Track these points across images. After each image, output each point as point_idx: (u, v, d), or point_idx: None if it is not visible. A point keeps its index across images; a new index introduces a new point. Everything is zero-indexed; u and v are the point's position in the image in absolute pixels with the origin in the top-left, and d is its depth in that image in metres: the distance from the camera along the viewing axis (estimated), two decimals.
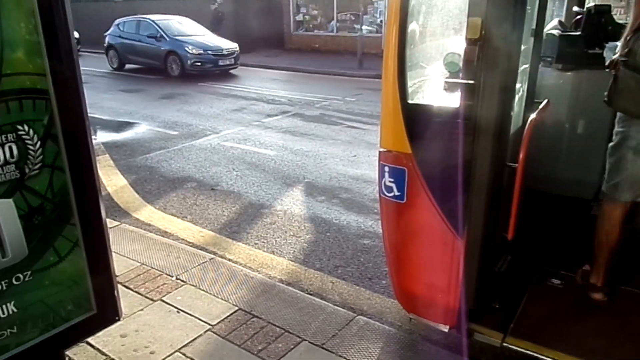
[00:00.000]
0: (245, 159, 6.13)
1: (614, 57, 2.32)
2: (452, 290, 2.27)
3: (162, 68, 13.39)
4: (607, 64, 2.43)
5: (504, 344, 2.27)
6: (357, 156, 6.20)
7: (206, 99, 10.14)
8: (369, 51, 14.24)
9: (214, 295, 2.96)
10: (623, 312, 2.48)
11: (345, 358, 2.42)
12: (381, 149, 2.33)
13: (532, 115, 2.29)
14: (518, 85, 2.63)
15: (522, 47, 2.70)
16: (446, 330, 2.42)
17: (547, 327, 2.36)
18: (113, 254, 2.20)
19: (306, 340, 2.55)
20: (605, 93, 2.37)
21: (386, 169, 2.30)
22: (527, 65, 2.74)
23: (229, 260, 3.56)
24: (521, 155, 2.11)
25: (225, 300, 2.90)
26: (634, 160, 2.30)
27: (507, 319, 2.40)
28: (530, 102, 2.68)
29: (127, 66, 14.68)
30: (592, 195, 3.17)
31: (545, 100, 2.56)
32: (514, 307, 2.50)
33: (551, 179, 3.19)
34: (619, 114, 2.37)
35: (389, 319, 2.89)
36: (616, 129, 2.38)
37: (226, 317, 2.74)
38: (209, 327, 2.66)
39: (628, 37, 2.22)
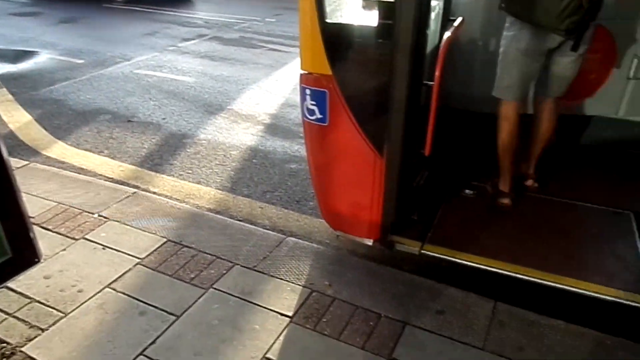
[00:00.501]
0: (162, 87, 5.80)
1: None
2: (374, 206, 2.39)
3: None
4: None
5: (422, 251, 2.46)
6: (280, 80, 6.07)
7: (113, 23, 9.30)
8: None
9: (141, 229, 2.91)
10: (524, 215, 2.74)
11: (276, 277, 2.52)
12: (301, 71, 2.29)
13: (447, 33, 2.33)
14: (434, 3, 2.64)
15: None
16: (370, 244, 2.57)
17: (460, 234, 2.58)
18: (25, 194, 2.06)
19: (238, 264, 2.61)
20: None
21: (307, 91, 2.28)
22: None
23: (154, 193, 3.48)
24: (437, 73, 2.17)
25: (152, 233, 2.87)
26: (523, 61, 2.52)
27: (425, 229, 2.59)
28: (446, 20, 2.72)
29: None
30: None
31: (460, 18, 2.60)
32: (431, 218, 2.69)
33: (467, 96, 3.33)
34: (509, 20, 2.53)
35: (317, 238, 3.01)
36: (506, 33, 2.57)
37: (155, 250, 2.72)
38: (137, 260, 2.64)
39: None
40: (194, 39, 8.15)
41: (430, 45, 2.43)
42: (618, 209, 2.78)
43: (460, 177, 3.07)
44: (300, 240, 2.86)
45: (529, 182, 2.94)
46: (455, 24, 2.50)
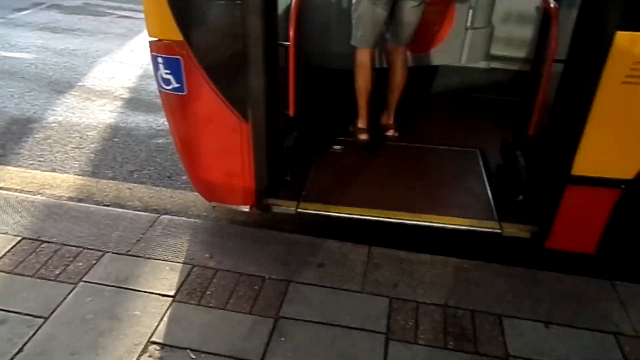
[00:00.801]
0: None
1: None
2: (246, 173, 2.38)
3: None
4: None
5: (299, 210, 2.53)
6: (135, 50, 5.64)
7: None
8: None
9: None
10: (387, 164, 2.94)
11: (153, 258, 2.41)
12: (150, 39, 2.15)
13: None
14: None
15: None
16: (247, 210, 2.57)
17: (332, 188, 2.68)
18: None
19: (109, 251, 2.44)
20: None
21: (159, 60, 2.15)
22: None
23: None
24: (291, 33, 2.17)
25: (3, 234, 2.55)
26: (373, 9, 2.74)
27: (299, 188, 2.65)
28: None
29: None
30: None
31: None
32: (303, 176, 2.75)
33: (325, 54, 3.40)
34: None
35: (194, 212, 2.93)
36: None
37: (8, 251, 2.43)
38: None
39: None
40: (28, 9, 7.17)
41: (282, 5, 2.41)
42: (466, 148, 3.10)
43: (328, 134, 3.17)
44: (175, 217, 2.75)
45: (390, 132, 3.14)
46: None
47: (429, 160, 3.01)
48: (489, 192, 2.68)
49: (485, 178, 2.80)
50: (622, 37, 1.83)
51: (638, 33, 1.82)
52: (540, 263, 2.46)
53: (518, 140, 2.76)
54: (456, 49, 3.64)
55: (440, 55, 3.64)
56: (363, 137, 3.05)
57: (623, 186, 2.13)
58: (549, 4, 2.26)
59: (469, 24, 3.56)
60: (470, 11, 3.51)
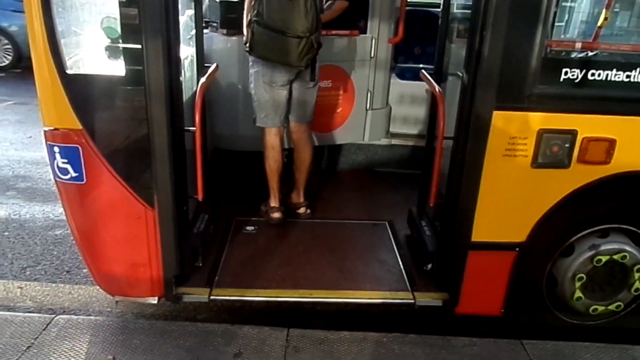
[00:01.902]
0: None
1: (248, 17, 2.78)
2: (153, 262, 2.26)
3: None
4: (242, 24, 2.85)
5: (212, 297, 2.41)
6: (33, 137, 5.34)
7: None
8: None
9: None
10: (301, 241, 2.95)
11: None
12: (45, 128, 2.05)
13: (202, 79, 2.39)
14: (188, 50, 2.70)
15: (189, 12, 2.76)
16: (155, 302, 2.41)
17: (246, 271, 2.62)
18: None
19: None
20: (247, 45, 2.81)
21: (56, 149, 2.05)
22: (194, 32, 2.82)
23: None
24: (197, 119, 2.19)
25: None
26: (270, 91, 2.88)
27: (212, 273, 2.55)
28: (201, 67, 2.79)
29: None
30: None
31: (214, 64, 2.70)
32: (216, 261, 2.66)
33: (233, 137, 3.46)
34: (251, 59, 2.90)
35: (96, 309, 2.70)
36: (251, 71, 2.93)
37: None
38: None
39: (253, 2, 2.71)
40: None
41: (188, 92, 2.45)
42: (376, 220, 3.21)
43: (240, 215, 3.14)
44: (73, 316, 2.50)
45: (302, 210, 3.19)
46: (210, 70, 2.58)
47: (342, 234, 3.07)
48: (400, 263, 2.76)
49: (395, 249, 2.90)
50: (499, 117, 2.06)
51: (511, 112, 2.07)
52: (453, 329, 2.53)
53: (422, 211, 2.92)
54: (359, 128, 3.88)
55: (344, 134, 3.84)
56: (276, 215, 3.07)
57: (517, 248, 2.30)
58: (434, 88, 2.51)
59: (368, 105, 3.84)
60: (369, 94, 3.81)
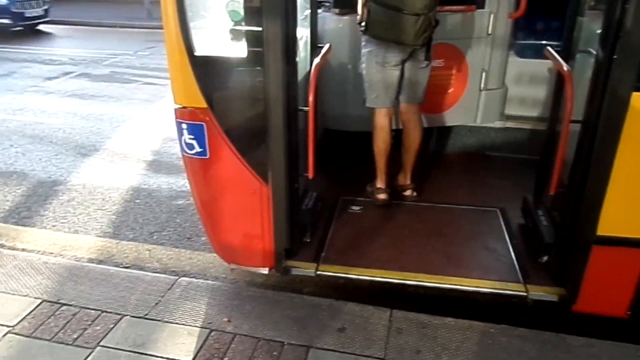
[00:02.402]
0: (25, 132, 5.28)
1: None
2: (265, 235, 2.38)
3: None
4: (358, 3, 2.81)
5: (318, 272, 2.49)
6: (159, 114, 5.86)
7: None
8: None
9: (8, 293, 2.57)
10: (407, 224, 2.92)
11: (171, 322, 2.38)
12: (175, 106, 2.24)
13: (316, 60, 2.43)
14: (302, 31, 2.75)
15: None
16: (267, 272, 2.55)
17: (352, 250, 2.66)
18: None
19: (127, 315, 2.42)
20: (361, 24, 2.78)
21: (184, 126, 2.23)
22: (308, 12, 2.86)
23: (22, 250, 3.12)
24: (310, 99, 2.24)
25: (23, 296, 2.56)
26: (383, 71, 2.84)
27: (319, 249, 2.63)
28: (314, 47, 2.83)
29: None
30: None
31: (328, 45, 2.73)
32: (323, 238, 2.74)
33: (343, 117, 3.49)
34: (364, 39, 2.87)
35: (212, 274, 2.92)
36: (363, 50, 2.90)
37: (28, 314, 2.42)
38: (7, 329, 2.33)
39: None
40: (58, 77, 7.57)
41: (302, 72, 2.51)
42: (486, 207, 3.07)
43: (346, 194, 3.19)
44: (193, 279, 2.75)
45: (408, 192, 3.14)
46: (323, 50, 2.62)
47: (449, 220, 2.98)
48: (512, 252, 2.62)
49: (507, 238, 2.76)
50: (639, 98, 1.85)
51: None
52: (568, 327, 2.36)
53: (538, 199, 2.74)
54: (471, 109, 3.71)
55: (455, 115, 3.70)
56: (382, 197, 3.06)
57: None
58: (562, 66, 2.31)
59: (482, 85, 3.64)
60: (484, 73, 3.61)
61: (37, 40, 10.70)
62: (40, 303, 2.51)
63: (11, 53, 9.33)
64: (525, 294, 2.34)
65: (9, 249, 3.10)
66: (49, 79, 7.49)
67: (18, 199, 3.87)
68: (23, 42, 10.34)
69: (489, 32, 3.49)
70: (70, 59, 8.87)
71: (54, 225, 3.49)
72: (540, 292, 2.33)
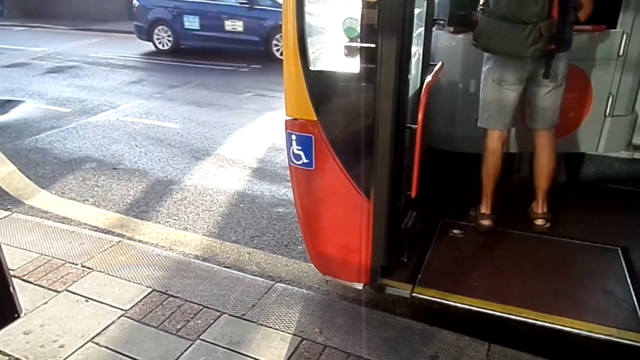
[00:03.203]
0: (148, 134, 5.82)
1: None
2: (363, 250, 2.37)
3: None
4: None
5: (414, 294, 2.43)
6: (266, 124, 6.14)
7: (99, 72, 9.41)
8: None
9: (125, 280, 2.84)
10: (512, 254, 2.74)
11: (266, 326, 2.46)
12: (287, 117, 2.32)
13: (428, 78, 2.40)
14: (414, 49, 2.73)
15: (417, 11, 2.80)
16: (360, 288, 2.54)
17: (450, 275, 2.56)
18: (5, 246, 2.01)
19: (226, 313, 2.55)
20: (472, 37, 2.71)
21: (293, 137, 2.30)
22: (422, 29, 2.84)
23: (139, 241, 3.42)
24: (420, 117, 2.21)
25: (137, 283, 2.80)
26: (498, 90, 2.73)
27: (415, 271, 2.57)
28: (426, 65, 2.80)
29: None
30: None
31: (440, 63, 2.68)
32: (420, 259, 2.67)
33: (449, 137, 3.39)
34: (485, 55, 2.78)
35: (306, 283, 2.97)
36: (483, 68, 2.82)
37: (140, 301, 2.65)
38: (122, 312, 2.56)
39: None
40: (179, 86, 8.26)
41: (412, 90, 2.49)
42: (605, 244, 2.80)
43: (447, 216, 3.08)
44: (289, 286, 2.82)
45: (540, 222, 2.92)
46: (435, 68, 2.57)
47: (560, 254, 2.75)
48: (634, 298, 2.35)
49: (629, 281, 2.48)
50: None
51: None
52: None
53: None
54: (593, 137, 3.42)
55: (574, 142, 3.43)
56: (485, 223, 2.92)
57: None
58: None
59: (608, 111, 3.34)
60: (610, 98, 3.31)
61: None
62: (151, 292, 2.73)
63: (139, 62, 10.36)
64: None
65: (128, 239, 3.42)
66: (171, 87, 8.20)
67: (138, 194, 4.26)
68: (147, 54, 11.45)
69: (620, 53, 3.20)
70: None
71: (166, 221, 3.78)
72: None
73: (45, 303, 2.64)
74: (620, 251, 2.72)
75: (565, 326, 2.22)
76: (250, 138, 5.68)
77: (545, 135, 2.85)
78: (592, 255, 2.73)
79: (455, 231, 2.95)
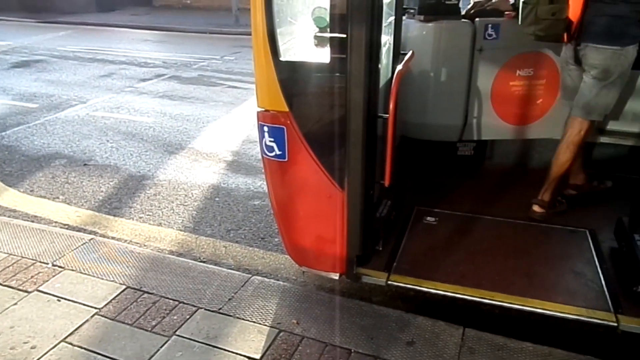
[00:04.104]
0: (119, 128, 5.70)
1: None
2: (338, 240, 2.38)
3: None
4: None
5: (389, 282, 2.45)
6: (240, 117, 6.08)
7: (68, 65, 9.16)
8: (244, 6, 13.72)
9: (98, 277, 2.78)
10: (485, 239, 2.79)
11: (243, 319, 2.45)
12: (258, 109, 2.30)
13: (399, 67, 2.40)
14: (385, 38, 2.73)
15: (387, 0, 2.80)
16: (337, 278, 2.55)
17: (424, 261, 2.59)
18: None
19: (202, 308, 2.53)
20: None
21: (265, 128, 2.29)
22: (392, 18, 2.84)
23: (112, 238, 3.36)
24: (391, 106, 2.21)
25: (111, 281, 2.75)
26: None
27: (391, 259, 2.59)
28: (397, 54, 2.80)
29: None
30: (457, 138, 3.46)
31: (410, 52, 2.69)
32: (395, 247, 2.69)
33: (421, 125, 3.41)
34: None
35: (283, 275, 2.97)
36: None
37: (114, 298, 2.60)
38: (95, 310, 2.52)
39: None
40: (152, 79, 8.11)
41: (383, 79, 2.49)
42: (573, 227, 2.87)
43: (421, 204, 3.11)
44: (265, 279, 2.81)
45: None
46: (406, 57, 2.58)
47: (532, 238, 2.81)
48: (602, 278, 2.43)
49: (597, 262, 2.55)
50: None
51: None
52: None
53: (636, 222, 2.51)
54: (561, 123, 3.48)
55: (542, 128, 3.49)
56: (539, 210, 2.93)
57: None
58: None
59: None
60: None
61: (133, 45, 11.53)
62: (125, 289, 2.69)
63: (110, 55, 10.13)
64: (615, 324, 2.15)
65: (100, 236, 3.36)
66: (143, 80, 8.04)
67: (111, 190, 4.18)
68: (120, 47, 11.19)
69: None
70: (162, 62, 9.46)
71: (140, 217, 3.72)
72: (633, 324, 2.13)
73: (15, 304, 2.57)
74: (588, 233, 2.79)
75: (537, 308, 2.27)
76: (225, 131, 5.62)
77: (569, 122, 2.83)
78: (562, 238, 2.80)
79: (429, 218, 2.99)
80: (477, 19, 3.22)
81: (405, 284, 2.46)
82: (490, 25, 3.18)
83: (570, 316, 2.23)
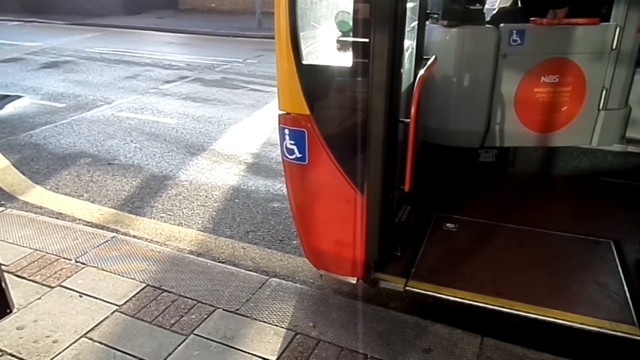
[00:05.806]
0: (143, 129, 5.80)
1: None
2: (357, 244, 2.37)
3: None
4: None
5: (407, 288, 2.44)
6: (262, 120, 6.13)
7: (94, 67, 9.37)
8: (268, 10, 13.88)
9: (119, 275, 2.83)
10: (506, 247, 2.75)
11: (259, 320, 2.46)
12: (280, 112, 2.31)
13: (421, 72, 2.39)
14: (408, 43, 2.72)
15: (410, 5, 2.79)
16: (354, 282, 2.54)
17: (443, 268, 2.57)
18: None
19: (220, 308, 2.55)
20: None
21: (286, 131, 2.30)
22: (415, 23, 2.83)
23: (133, 236, 3.42)
24: (412, 111, 2.20)
25: (131, 279, 2.80)
26: None
27: (409, 265, 2.57)
28: (420, 59, 2.79)
29: None
30: (479, 144, 3.43)
31: (433, 57, 2.68)
32: (414, 253, 2.67)
33: (442, 131, 3.39)
34: None
35: (301, 278, 2.97)
36: None
37: (134, 296, 2.65)
38: (115, 307, 2.56)
39: None
40: (176, 81, 8.23)
41: (405, 84, 2.48)
42: (598, 237, 2.81)
43: (441, 210, 3.09)
44: (283, 281, 2.82)
45: None
46: (429, 62, 2.57)
47: (554, 247, 2.76)
48: (626, 290, 2.37)
49: (621, 274, 2.49)
50: None
51: None
52: None
53: None
54: (586, 130, 3.42)
55: (567, 136, 3.43)
56: None
57: None
58: None
59: (601, 105, 3.35)
60: (604, 92, 3.31)
61: (158, 47, 11.72)
62: (145, 287, 2.73)
63: (135, 57, 10.32)
64: (639, 338, 2.09)
65: (122, 234, 3.42)
66: (167, 82, 8.17)
67: (133, 189, 4.25)
68: (145, 49, 11.38)
69: (613, 46, 3.20)
70: (186, 65, 9.59)
71: (161, 217, 3.78)
72: None
73: (39, 298, 2.63)
74: (612, 244, 2.73)
75: (557, 319, 2.23)
76: (246, 133, 5.66)
77: None
78: (585, 248, 2.74)
79: (449, 225, 2.96)
80: (501, 25, 3.18)
81: (423, 290, 2.44)
82: (515, 31, 3.15)
83: (592, 328, 2.18)
